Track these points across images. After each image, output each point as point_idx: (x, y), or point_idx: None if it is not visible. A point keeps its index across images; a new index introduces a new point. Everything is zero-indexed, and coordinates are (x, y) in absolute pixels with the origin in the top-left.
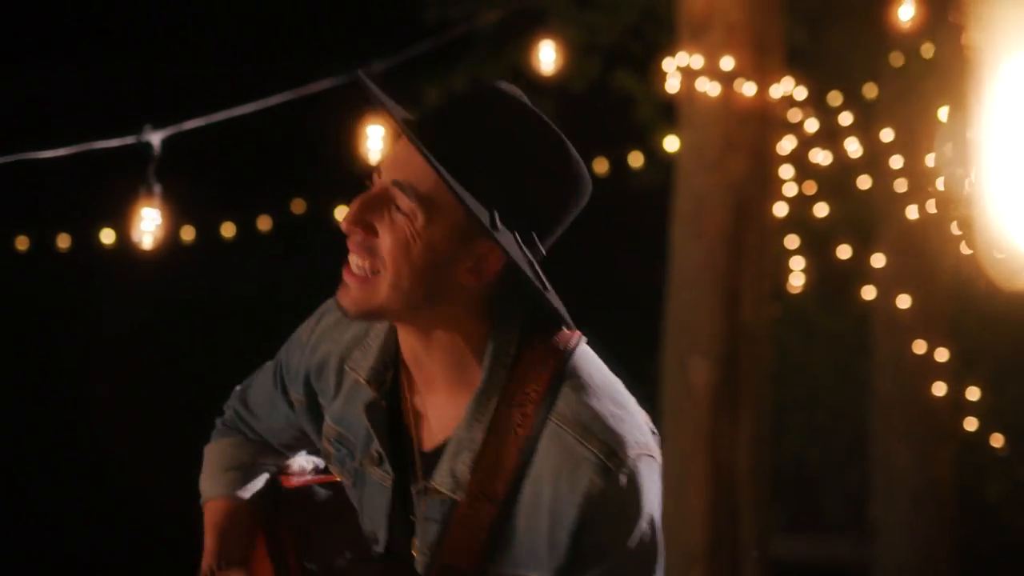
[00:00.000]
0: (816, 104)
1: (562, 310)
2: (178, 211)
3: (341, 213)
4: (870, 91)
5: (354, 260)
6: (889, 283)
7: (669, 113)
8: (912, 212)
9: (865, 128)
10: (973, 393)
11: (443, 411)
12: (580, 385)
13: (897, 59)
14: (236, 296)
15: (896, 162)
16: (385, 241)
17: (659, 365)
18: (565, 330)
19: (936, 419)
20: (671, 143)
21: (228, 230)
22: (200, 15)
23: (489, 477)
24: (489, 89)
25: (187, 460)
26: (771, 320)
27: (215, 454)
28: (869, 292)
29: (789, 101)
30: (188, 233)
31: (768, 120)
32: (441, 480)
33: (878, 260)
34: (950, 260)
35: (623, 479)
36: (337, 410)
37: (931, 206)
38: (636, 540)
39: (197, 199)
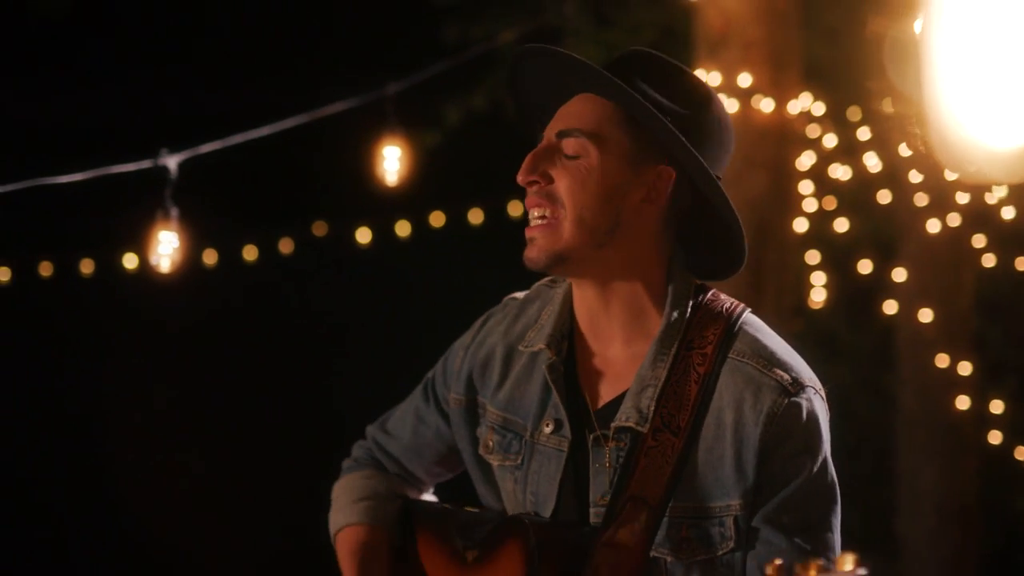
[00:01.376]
0: (835, 119)
1: (742, 232)
2: (198, 234)
3: (363, 235)
4: (889, 106)
5: (534, 213)
6: (911, 297)
7: None
8: (933, 226)
9: (884, 142)
10: (997, 406)
11: (620, 366)
12: (756, 329)
13: None
14: (259, 318)
15: (916, 176)
16: (562, 183)
17: None
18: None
19: (961, 433)
20: None
21: (250, 253)
22: (216, 38)
23: (672, 411)
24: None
25: (207, 481)
26: (792, 336)
27: (345, 489)
28: (891, 307)
29: (808, 117)
30: (210, 256)
31: (787, 136)
32: (626, 416)
33: (900, 274)
34: (972, 273)
35: (805, 404)
36: (504, 396)
37: (952, 219)
38: (819, 469)
39: (215, 222)
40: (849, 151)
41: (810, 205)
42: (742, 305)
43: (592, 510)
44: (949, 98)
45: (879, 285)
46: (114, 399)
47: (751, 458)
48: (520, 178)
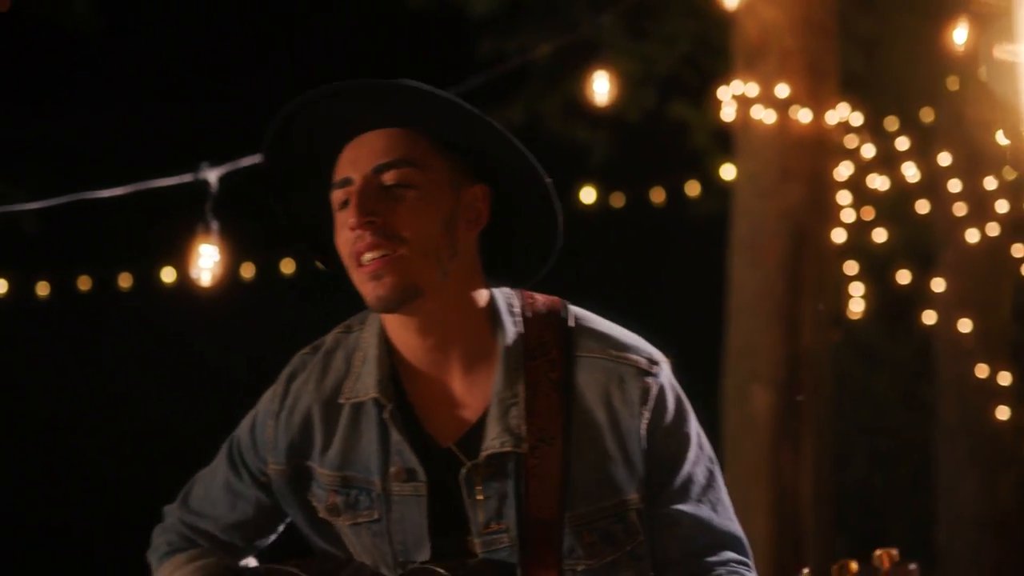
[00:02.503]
0: (873, 129)
1: (559, 230)
2: (237, 248)
3: None
4: (927, 115)
5: (372, 254)
6: (950, 307)
7: (725, 141)
8: (972, 236)
9: (923, 152)
10: None
11: (462, 395)
12: (588, 320)
13: (953, 83)
14: (297, 332)
15: (955, 186)
16: (398, 217)
17: (720, 393)
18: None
19: (1000, 443)
20: (727, 171)
21: (288, 266)
22: (254, 52)
23: (542, 424)
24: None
25: None
26: (831, 346)
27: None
28: (930, 317)
29: (845, 127)
30: (248, 270)
31: (824, 146)
32: (500, 441)
33: (938, 284)
34: (1011, 282)
35: (664, 378)
36: (335, 455)
37: (991, 229)
38: (695, 434)
39: (255, 236)
40: (887, 161)
41: (848, 215)
42: (557, 299)
43: (478, 540)
44: None
45: (918, 295)
46: (153, 412)
47: (637, 449)
48: (356, 221)
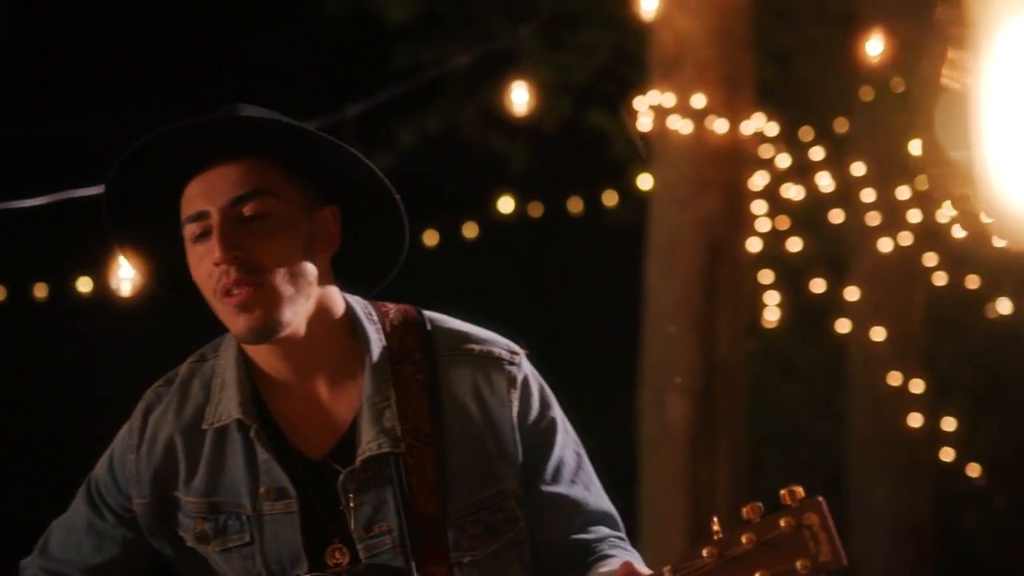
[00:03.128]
0: (787, 140)
1: (405, 237)
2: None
3: None
4: (841, 125)
5: (237, 290)
6: (863, 316)
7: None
8: (885, 245)
9: (837, 162)
10: (949, 424)
11: (328, 409)
12: (443, 320)
13: (867, 93)
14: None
15: (868, 195)
16: (260, 248)
17: (636, 402)
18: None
19: (913, 451)
20: (645, 181)
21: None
22: (175, 62)
23: (415, 424)
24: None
25: None
26: (746, 355)
27: None
28: (844, 325)
29: (760, 137)
30: None
31: (740, 156)
32: (377, 444)
33: (852, 293)
34: (923, 291)
35: (526, 366)
36: (201, 482)
37: (904, 238)
38: (560, 417)
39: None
40: (802, 171)
41: (763, 225)
42: (409, 306)
43: (360, 546)
44: (1002, 165)
45: (831, 304)
46: (71, 422)
47: (511, 437)
48: (222, 257)
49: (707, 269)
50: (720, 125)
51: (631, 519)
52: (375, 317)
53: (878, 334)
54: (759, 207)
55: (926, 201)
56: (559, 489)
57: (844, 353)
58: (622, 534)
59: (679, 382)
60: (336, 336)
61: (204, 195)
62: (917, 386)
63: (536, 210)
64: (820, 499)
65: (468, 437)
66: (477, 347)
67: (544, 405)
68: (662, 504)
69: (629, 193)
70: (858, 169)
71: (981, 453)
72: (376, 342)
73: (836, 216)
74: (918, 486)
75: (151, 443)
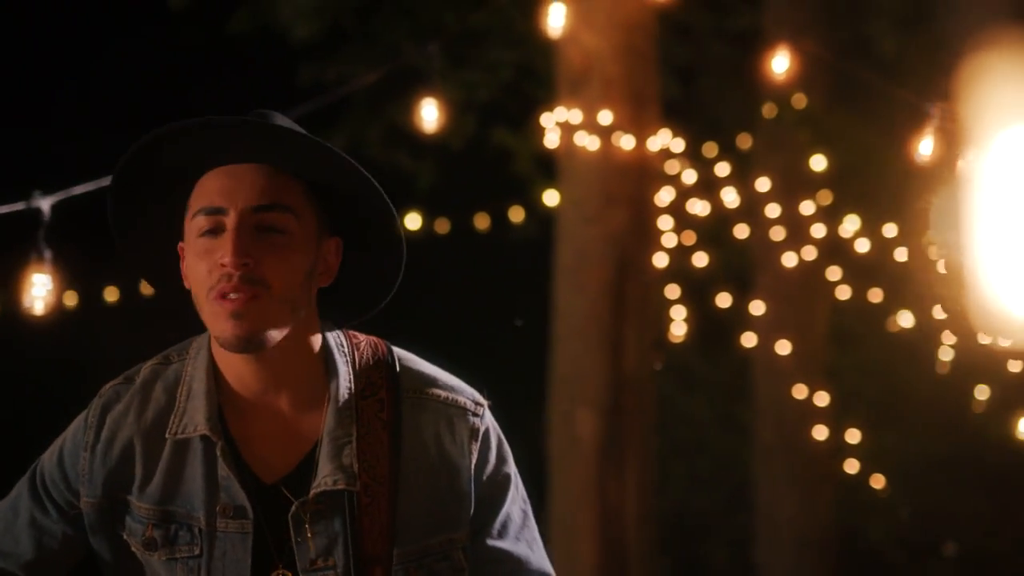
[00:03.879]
0: (692, 155)
1: (399, 273)
2: (68, 277)
3: None
4: (744, 141)
5: (234, 295)
6: (768, 330)
7: (547, 168)
8: (789, 259)
9: (741, 178)
10: (853, 436)
11: (288, 435)
12: (411, 361)
13: (770, 110)
14: (121, 359)
15: (772, 211)
16: (268, 262)
17: (545, 417)
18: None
19: (818, 463)
20: (551, 197)
21: (112, 295)
22: (85, 80)
23: (371, 463)
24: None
25: None
26: (654, 369)
27: None
28: (749, 339)
29: (666, 153)
30: (71, 298)
31: (647, 172)
32: (333, 479)
33: (757, 307)
34: (826, 305)
35: (488, 419)
36: (156, 489)
37: (808, 252)
38: (514, 474)
39: (85, 264)
40: (707, 186)
41: (670, 240)
42: (379, 339)
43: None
44: (992, 265)
45: (736, 318)
46: None
47: (467, 487)
48: (233, 262)
49: (615, 284)
50: (627, 141)
51: (541, 533)
52: (346, 349)
53: (783, 347)
54: (665, 222)
55: (829, 216)
56: (504, 545)
57: (748, 367)
58: None
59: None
60: (309, 363)
61: (225, 192)
62: (822, 399)
63: (443, 226)
64: None
65: (423, 482)
66: (443, 393)
67: (500, 460)
68: (572, 518)
69: (535, 209)
70: (763, 184)
71: (885, 465)
72: (344, 376)
73: (741, 231)
74: (822, 498)
75: (108, 443)
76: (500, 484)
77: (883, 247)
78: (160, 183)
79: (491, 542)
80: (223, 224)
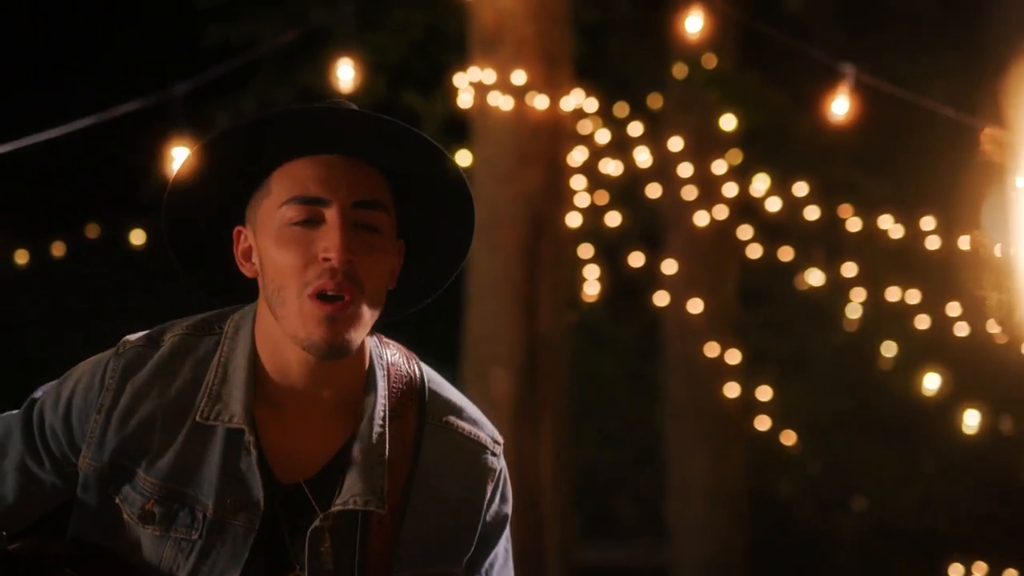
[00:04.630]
0: (605, 115)
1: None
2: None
3: (137, 236)
4: (655, 101)
5: (337, 297)
6: (680, 288)
7: (458, 129)
8: (701, 219)
9: (654, 138)
10: (764, 393)
11: (315, 440)
12: (440, 386)
13: (679, 71)
14: (30, 322)
15: (685, 170)
16: (363, 262)
17: (460, 376)
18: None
19: (729, 420)
20: (463, 157)
21: (21, 256)
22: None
23: (391, 487)
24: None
25: None
26: (567, 328)
27: None
28: (662, 298)
29: (579, 113)
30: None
31: (560, 132)
32: (360, 499)
33: (669, 266)
34: (736, 264)
35: (503, 459)
36: (167, 465)
37: (719, 212)
38: (510, 512)
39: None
40: (620, 146)
41: (583, 200)
42: (409, 352)
43: None
44: None
45: (649, 277)
46: None
47: (475, 524)
48: (340, 258)
49: (529, 244)
50: (540, 101)
51: None
52: (384, 361)
53: (695, 306)
54: (578, 182)
55: (740, 175)
56: None
57: (658, 325)
58: None
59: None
60: (356, 369)
61: (324, 182)
62: (733, 356)
63: None
64: None
65: (431, 511)
66: (467, 427)
67: (504, 500)
68: None
69: None
70: (675, 144)
71: (795, 421)
72: (382, 391)
73: (654, 191)
74: (734, 454)
75: (126, 412)
76: (499, 524)
77: (794, 206)
78: (230, 167)
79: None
80: (321, 215)
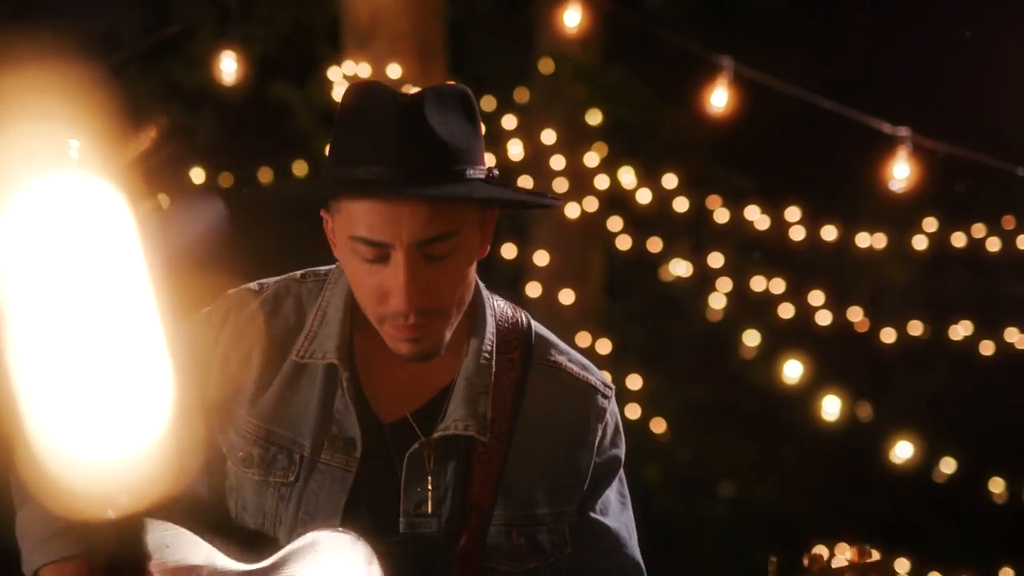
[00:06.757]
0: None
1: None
2: None
3: None
4: (522, 96)
5: (412, 328)
6: (551, 279)
7: (330, 122)
8: (572, 211)
9: (526, 131)
10: (635, 381)
11: (415, 380)
12: (546, 332)
13: (546, 65)
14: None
15: (557, 163)
16: (438, 285)
17: None
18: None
19: None
20: None
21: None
22: None
23: (495, 417)
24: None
25: None
26: None
27: (33, 523)
28: (534, 289)
29: None
30: None
31: None
32: (461, 424)
33: (541, 258)
34: (602, 255)
35: (614, 402)
36: (267, 407)
37: (590, 204)
38: (622, 461)
39: None
40: (493, 139)
41: None
42: (518, 307)
43: (404, 520)
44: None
45: (521, 268)
46: None
47: (586, 465)
48: (407, 306)
49: None
50: None
51: None
52: (492, 303)
53: (566, 297)
54: None
55: (611, 168)
56: (607, 520)
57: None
58: None
59: None
60: (465, 316)
61: (386, 227)
62: (604, 346)
63: (227, 180)
64: (885, 562)
65: (539, 445)
66: (576, 369)
67: (615, 444)
68: None
69: (320, 162)
70: (548, 137)
71: (661, 410)
72: (490, 328)
73: (526, 183)
74: None
75: (230, 345)
76: (611, 465)
77: (663, 198)
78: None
79: (594, 515)
80: (387, 255)
